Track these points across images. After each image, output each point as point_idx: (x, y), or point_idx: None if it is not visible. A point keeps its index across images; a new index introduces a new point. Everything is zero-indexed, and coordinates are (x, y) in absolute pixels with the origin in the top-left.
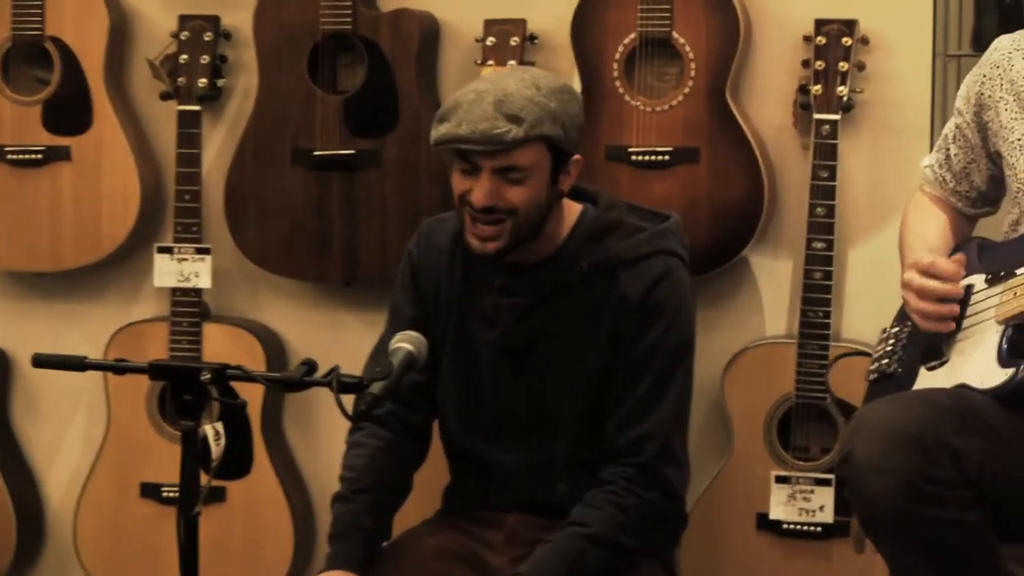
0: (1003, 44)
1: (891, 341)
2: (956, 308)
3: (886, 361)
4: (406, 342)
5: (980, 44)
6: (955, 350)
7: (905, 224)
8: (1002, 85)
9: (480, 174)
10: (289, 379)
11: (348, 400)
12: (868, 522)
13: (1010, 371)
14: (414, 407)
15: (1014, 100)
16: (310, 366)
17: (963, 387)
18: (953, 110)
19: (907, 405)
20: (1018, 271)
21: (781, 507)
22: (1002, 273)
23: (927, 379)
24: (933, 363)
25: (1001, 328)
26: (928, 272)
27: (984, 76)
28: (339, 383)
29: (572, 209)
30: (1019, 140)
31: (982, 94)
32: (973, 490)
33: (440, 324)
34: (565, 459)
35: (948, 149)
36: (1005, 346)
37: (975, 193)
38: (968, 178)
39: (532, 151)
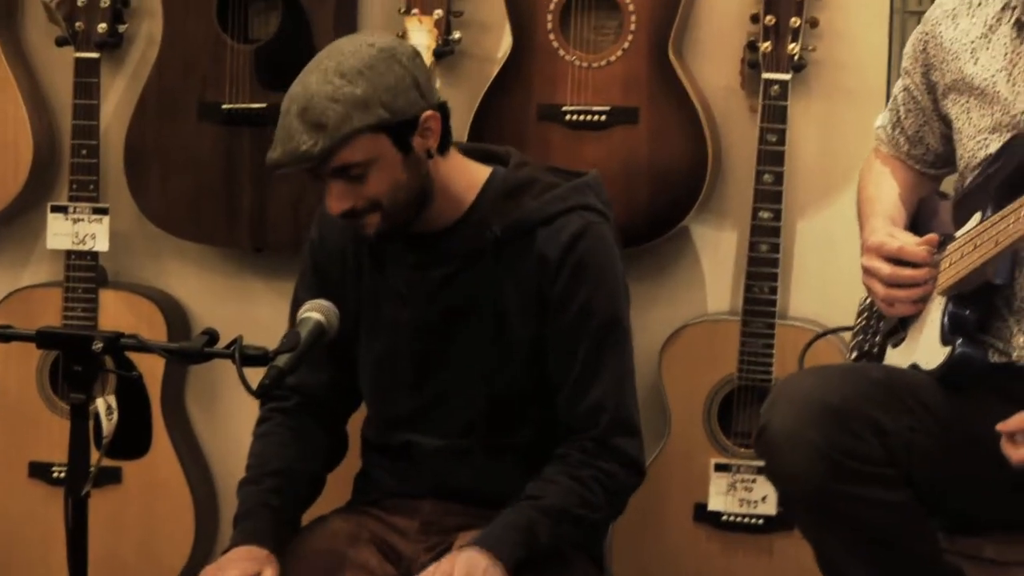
0: (946, 0)
1: (865, 314)
2: (930, 289)
3: (862, 337)
4: (315, 311)
5: None
6: (911, 327)
7: (861, 190)
8: (942, 45)
9: (326, 182)
10: (188, 350)
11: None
12: (788, 501)
13: (947, 350)
14: (326, 403)
15: (954, 62)
16: (211, 336)
17: (914, 367)
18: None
19: (830, 377)
20: (957, 234)
21: (720, 497)
22: (943, 240)
23: (891, 357)
24: (896, 339)
25: (943, 301)
26: (897, 259)
27: (927, 35)
28: (242, 355)
29: (480, 171)
30: (964, 103)
31: (927, 52)
32: (899, 469)
33: (351, 309)
34: (492, 438)
35: (899, 111)
36: (946, 322)
37: (932, 156)
38: (922, 141)
39: (359, 146)
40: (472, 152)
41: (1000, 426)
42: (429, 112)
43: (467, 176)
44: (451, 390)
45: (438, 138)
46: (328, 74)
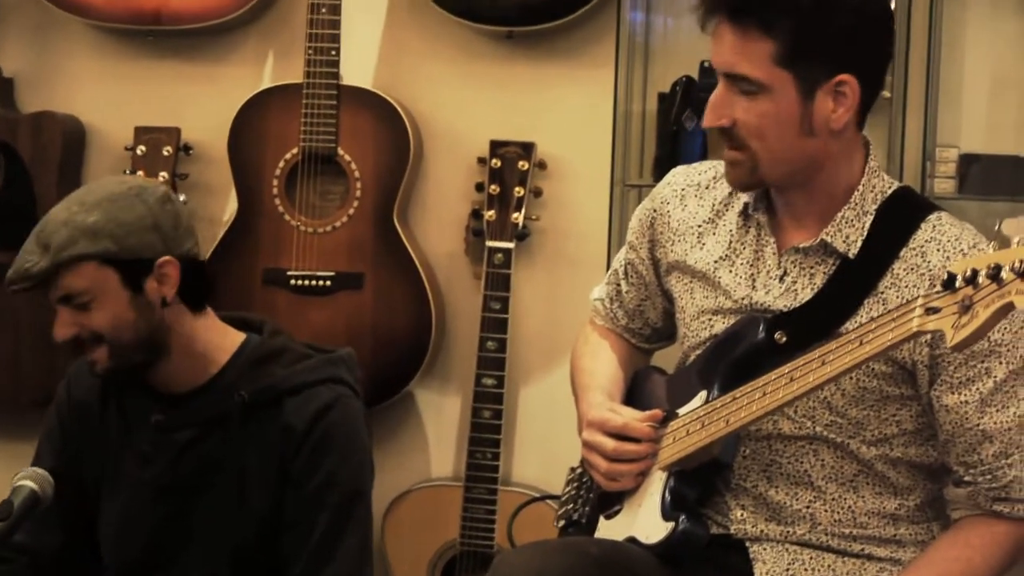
0: (676, 179)
1: (575, 484)
2: (651, 463)
3: (571, 506)
4: (29, 480)
5: (661, 174)
6: (628, 500)
7: (576, 361)
8: (669, 225)
9: (55, 309)
10: None
11: None
12: None
13: (670, 525)
14: (57, 564)
15: (680, 243)
16: None
17: (632, 540)
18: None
19: (549, 552)
20: (680, 411)
21: None
22: (665, 415)
23: (605, 529)
24: (610, 511)
25: (664, 476)
26: (621, 435)
27: (655, 211)
28: None
29: (234, 336)
30: (688, 283)
31: (654, 229)
32: None
33: (94, 467)
34: None
35: (619, 284)
36: (668, 497)
37: (649, 330)
38: (642, 315)
39: (82, 273)
40: (229, 319)
41: None
42: (167, 258)
43: (219, 339)
44: (187, 554)
45: (175, 287)
46: (71, 202)
